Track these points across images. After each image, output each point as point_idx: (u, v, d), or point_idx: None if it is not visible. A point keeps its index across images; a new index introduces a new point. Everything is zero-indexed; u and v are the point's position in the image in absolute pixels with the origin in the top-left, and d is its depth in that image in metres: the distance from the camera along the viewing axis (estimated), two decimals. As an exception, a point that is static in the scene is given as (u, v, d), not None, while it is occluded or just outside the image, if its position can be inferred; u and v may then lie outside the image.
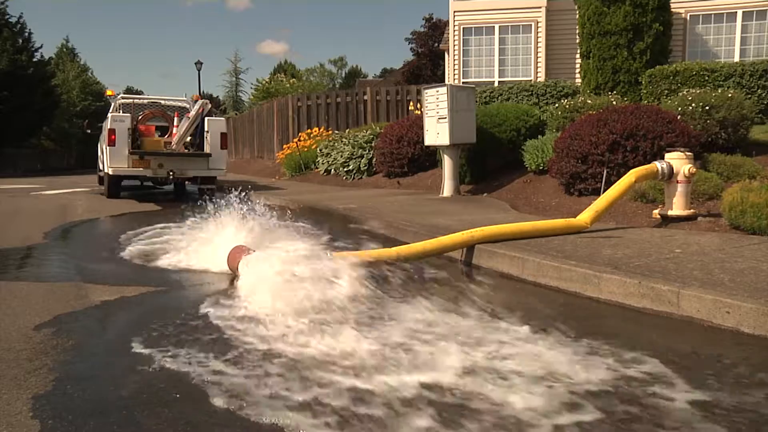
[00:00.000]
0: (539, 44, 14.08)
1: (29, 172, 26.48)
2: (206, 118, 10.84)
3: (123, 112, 10.96)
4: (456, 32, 14.52)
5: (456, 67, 14.58)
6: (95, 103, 36.91)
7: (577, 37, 11.86)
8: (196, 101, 11.30)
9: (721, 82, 9.72)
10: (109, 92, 12.80)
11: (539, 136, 9.03)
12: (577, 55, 12.34)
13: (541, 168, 8.34)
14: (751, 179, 5.64)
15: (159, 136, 11.36)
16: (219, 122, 11.24)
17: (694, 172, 5.39)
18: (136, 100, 12.29)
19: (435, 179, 10.03)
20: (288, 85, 40.52)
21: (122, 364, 2.61)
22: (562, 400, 2.18)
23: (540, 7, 14.01)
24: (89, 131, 14.11)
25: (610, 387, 2.30)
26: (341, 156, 13.00)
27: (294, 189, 11.84)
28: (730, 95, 7.56)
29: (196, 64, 31.51)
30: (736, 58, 12.30)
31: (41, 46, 31.26)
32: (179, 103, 12.13)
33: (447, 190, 8.98)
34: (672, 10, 11.53)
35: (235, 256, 4.08)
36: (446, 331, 2.95)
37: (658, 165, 5.36)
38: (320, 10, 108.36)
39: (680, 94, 8.16)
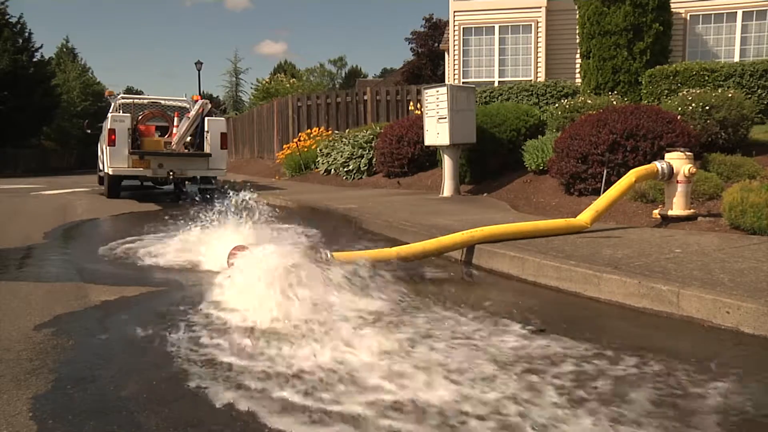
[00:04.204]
0: (539, 44, 14.09)
1: (29, 172, 26.49)
2: (206, 118, 10.84)
3: (123, 112, 10.95)
4: (456, 32, 14.52)
5: (456, 67, 14.58)
6: (96, 104, 36.91)
7: (577, 37, 11.87)
8: (196, 101, 11.29)
9: (721, 82, 9.72)
10: (109, 92, 12.79)
11: (539, 136, 9.03)
12: (577, 55, 12.35)
13: (541, 168, 8.34)
14: (751, 179, 5.64)
15: (159, 136, 11.36)
16: (219, 122, 11.23)
17: (694, 172, 5.39)
18: (136, 100, 12.29)
19: (435, 179, 10.02)
20: (288, 85, 40.54)
21: (122, 364, 2.61)
22: (561, 401, 2.18)
23: (540, 7, 14.01)
24: (89, 131, 14.09)
25: (610, 387, 2.30)
26: (341, 156, 13.00)
27: (294, 189, 11.83)
28: (730, 95, 7.56)
29: (196, 64, 31.53)
30: (736, 58, 12.30)
31: (41, 46, 31.32)
32: (179, 103, 12.12)
33: (447, 190, 8.98)
34: (672, 10, 11.54)
35: (235, 255, 4.07)
36: (445, 331, 2.95)
37: (658, 165, 5.36)
38: (320, 10, 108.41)
39: (680, 94, 8.16)
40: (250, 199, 4.94)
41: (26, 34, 30.34)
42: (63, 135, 35.34)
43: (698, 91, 7.89)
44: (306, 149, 15.17)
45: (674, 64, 10.42)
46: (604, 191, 5.71)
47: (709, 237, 4.76)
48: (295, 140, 16.26)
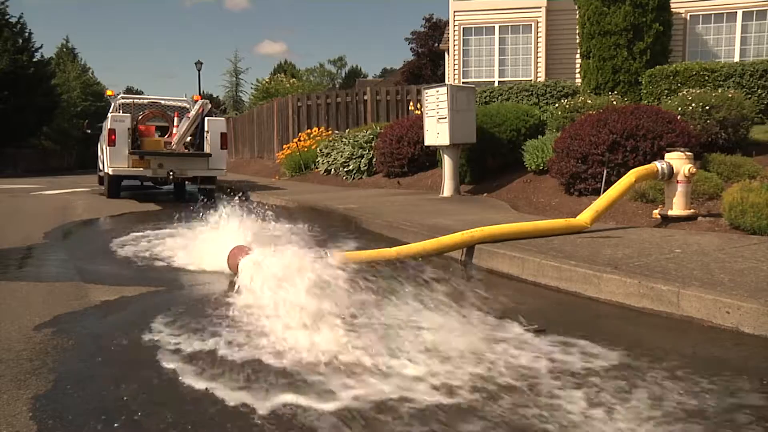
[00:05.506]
0: (539, 44, 14.08)
1: (29, 172, 26.47)
2: (206, 118, 10.84)
3: (123, 112, 10.96)
4: (456, 32, 14.52)
5: (456, 67, 14.58)
6: (96, 104, 36.89)
7: (577, 37, 11.87)
8: (196, 101, 11.30)
9: (721, 82, 9.72)
10: (109, 92, 12.80)
11: (539, 136, 9.03)
12: (577, 55, 12.35)
13: (541, 168, 8.34)
14: (751, 179, 5.64)
15: (159, 136, 11.37)
16: (219, 122, 11.23)
17: (694, 172, 5.39)
18: (136, 100, 12.30)
19: (435, 179, 10.02)
20: (288, 85, 40.52)
21: (122, 364, 2.61)
22: (561, 401, 2.18)
23: (540, 7, 14.01)
24: (89, 131, 14.11)
25: (609, 387, 2.30)
26: (341, 156, 13.00)
27: (294, 189, 11.83)
28: (730, 95, 7.56)
29: (196, 64, 31.57)
30: (736, 58, 12.30)
31: (41, 46, 31.24)
32: (179, 103, 12.13)
33: (447, 190, 8.98)
34: (672, 10, 11.54)
35: (235, 255, 4.08)
36: (443, 331, 2.95)
37: (658, 165, 5.36)
38: (320, 10, 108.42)
39: (680, 94, 8.16)
40: (250, 199, 4.94)
41: (26, 34, 30.27)
42: (63, 135, 35.30)
43: (698, 91, 7.89)
44: (306, 149, 15.17)
45: (674, 64, 10.42)
46: (604, 191, 5.71)
47: (709, 237, 4.76)
48: (295, 140, 16.26)
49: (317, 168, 14.17)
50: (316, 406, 2.15)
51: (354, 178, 12.54)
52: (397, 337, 2.80)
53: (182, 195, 11.87)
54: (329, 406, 2.15)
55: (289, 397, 2.21)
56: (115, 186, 10.90)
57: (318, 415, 2.09)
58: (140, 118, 11.25)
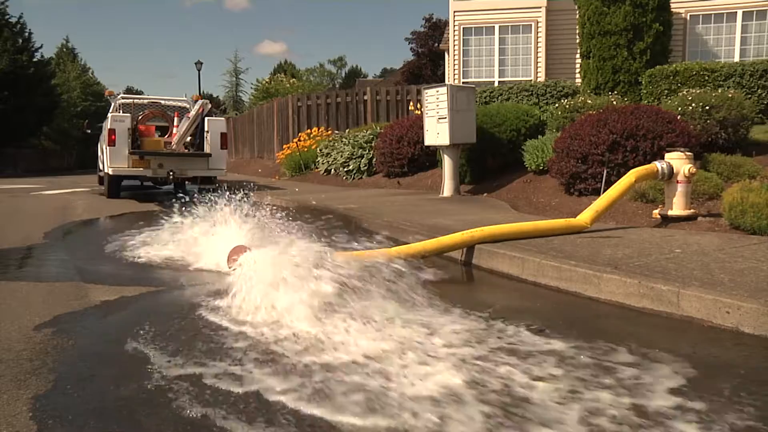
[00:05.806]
0: (539, 44, 14.09)
1: (29, 172, 26.46)
2: (206, 118, 10.85)
3: (123, 112, 10.97)
4: (456, 32, 14.52)
5: (456, 67, 14.58)
6: (96, 104, 36.87)
7: (577, 37, 11.87)
8: (196, 101, 11.30)
9: (721, 82, 9.72)
10: (109, 92, 12.81)
11: (539, 136, 9.03)
12: (577, 55, 12.35)
13: (541, 168, 8.34)
14: (751, 179, 5.64)
15: (159, 136, 11.37)
16: (219, 122, 11.24)
17: (694, 172, 5.39)
18: (136, 100, 12.30)
19: (435, 179, 10.03)
20: (288, 85, 40.53)
21: (122, 364, 2.61)
22: (560, 401, 2.18)
23: (540, 7, 14.02)
24: (89, 131, 14.11)
25: (608, 387, 2.30)
26: (341, 156, 13.00)
27: (293, 189, 11.83)
28: (730, 95, 7.56)
29: (196, 64, 31.62)
30: (736, 58, 12.30)
31: (41, 46, 31.21)
32: (179, 103, 12.13)
33: (447, 190, 8.98)
34: (672, 10, 11.55)
35: (235, 255, 4.07)
36: (443, 331, 2.95)
37: (658, 165, 5.36)
38: (320, 10, 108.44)
39: (680, 94, 8.16)
40: (249, 199, 4.94)
41: (26, 34, 30.24)
42: (63, 135, 35.27)
43: (698, 91, 7.89)
44: (306, 149, 15.17)
45: (674, 64, 10.42)
46: (604, 191, 5.71)
47: (709, 237, 4.76)
48: (295, 140, 16.26)
49: (317, 168, 14.17)
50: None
51: (354, 178, 12.54)
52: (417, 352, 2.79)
53: (182, 195, 11.85)
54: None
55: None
56: (115, 186, 10.90)
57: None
58: (140, 118, 11.25)
